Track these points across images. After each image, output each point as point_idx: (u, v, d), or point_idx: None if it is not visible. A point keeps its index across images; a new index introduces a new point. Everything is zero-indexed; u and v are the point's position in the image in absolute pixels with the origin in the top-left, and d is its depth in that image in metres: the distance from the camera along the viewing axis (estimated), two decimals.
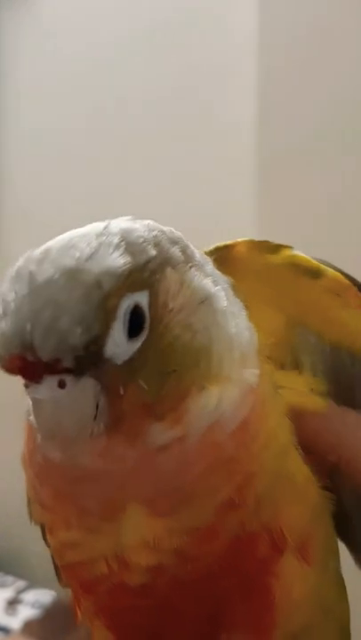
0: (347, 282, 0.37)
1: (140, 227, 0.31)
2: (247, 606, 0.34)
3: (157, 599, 0.33)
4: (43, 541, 0.39)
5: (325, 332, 0.37)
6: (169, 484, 0.31)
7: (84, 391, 0.28)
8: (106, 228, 0.30)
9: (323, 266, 0.36)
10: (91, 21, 1.24)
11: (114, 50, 1.20)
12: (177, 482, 0.31)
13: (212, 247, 0.37)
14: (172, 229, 0.33)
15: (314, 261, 0.36)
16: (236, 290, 0.35)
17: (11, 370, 0.28)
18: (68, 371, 0.28)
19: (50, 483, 0.33)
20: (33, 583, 1.26)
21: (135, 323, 0.29)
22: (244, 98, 1.01)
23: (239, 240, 0.36)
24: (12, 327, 0.27)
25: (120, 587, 0.33)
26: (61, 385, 0.28)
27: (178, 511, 0.31)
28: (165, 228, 0.32)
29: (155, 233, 0.31)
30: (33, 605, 1.21)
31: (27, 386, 0.28)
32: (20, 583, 1.28)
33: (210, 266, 0.34)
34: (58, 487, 0.32)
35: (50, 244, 0.30)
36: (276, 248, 0.36)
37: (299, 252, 0.37)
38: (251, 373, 0.32)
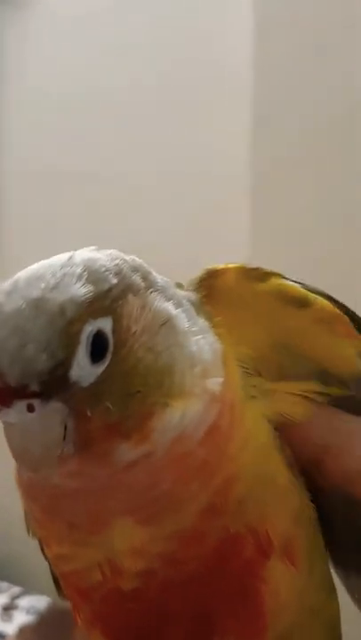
0: (335, 311, 0.37)
1: (103, 256, 0.32)
2: (238, 610, 0.35)
3: (150, 603, 0.34)
4: (37, 548, 0.40)
5: (313, 357, 0.38)
6: (144, 496, 0.32)
7: (51, 414, 0.29)
8: (70, 258, 0.32)
9: (311, 295, 0.37)
10: (88, 29, 1.25)
11: (110, 58, 1.21)
12: (151, 493, 0.32)
13: (203, 270, 0.37)
14: (135, 257, 0.34)
15: (302, 290, 0.37)
16: (207, 308, 0.36)
17: None
18: (36, 395, 0.29)
19: (37, 500, 0.34)
20: (28, 589, 1.26)
21: (99, 347, 0.30)
22: (239, 108, 1.01)
23: (230, 266, 0.37)
24: None
25: (114, 592, 0.34)
26: (30, 409, 0.29)
27: (160, 518, 0.32)
28: (127, 257, 0.34)
29: (116, 262, 0.32)
30: (28, 611, 1.21)
31: None
32: (15, 589, 1.28)
33: (172, 289, 0.35)
34: (44, 504, 0.34)
35: (19, 274, 0.31)
36: (265, 276, 0.37)
37: (287, 281, 0.37)
38: (213, 382, 0.33)
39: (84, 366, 0.30)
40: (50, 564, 0.39)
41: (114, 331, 0.31)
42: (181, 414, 0.32)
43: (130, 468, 0.31)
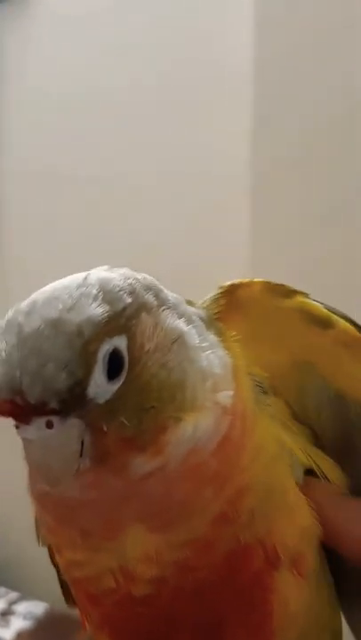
0: (358, 335, 0.38)
1: (117, 276, 0.33)
2: (247, 618, 0.35)
3: (161, 609, 0.35)
4: (35, 554, 0.40)
5: (332, 379, 0.38)
6: (159, 505, 0.33)
7: (69, 430, 0.30)
8: (85, 279, 0.33)
9: (334, 316, 0.38)
10: (87, 29, 1.25)
11: (109, 58, 1.21)
12: (166, 503, 0.33)
13: (228, 283, 0.38)
14: (146, 276, 0.35)
15: (325, 311, 0.38)
16: (218, 324, 0.37)
17: (2, 412, 0.31)
18: (54, 412, 0.30)
19: (50, 508, 0.35)
20: (25, 595, 1.26)
21: (115, 365, 0.31)
22: (239, 108, 1.02)
23: (255, 280, 0.38)
24: (3, 374, 0.30)
25: (126, 598, 0.35)
26: (49, 425, 0.30)
27: (174, 527, 0.33)
28: (139, 276, 0.35)
29: (130, 281, 0.34)
30: (25, 617, 1.21)
31: (17, 427, 0.31)
32: (13, 594, 1.28)
33: (183, 306, 0.36)
34: (58, 513, 0.35)
35: (35, 296, 0.32)
36: (290, 293, 0.38)
37: (312, 301, 0.38)
38: (224, 396, 0.34)
39: (100, 384, 0.31)
40: (59, 570, 0.40)
41: (128, 348, 0.32)
42: (194, 427, 0.33)
43: (145, 480, 0.32)
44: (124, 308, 0.32)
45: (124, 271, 0.34)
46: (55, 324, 0.30)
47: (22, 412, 0.30)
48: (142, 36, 1.16)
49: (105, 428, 0.31)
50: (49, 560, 0.40)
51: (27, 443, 0.31)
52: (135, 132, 1.17)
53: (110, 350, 0.31)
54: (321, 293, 0.89)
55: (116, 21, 1.20)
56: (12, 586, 1.29)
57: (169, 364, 0.33)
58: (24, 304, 0.32)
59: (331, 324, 0.37)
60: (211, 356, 0.35)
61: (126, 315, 0.32)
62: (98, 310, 0.31)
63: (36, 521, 0.38)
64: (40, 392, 0.29)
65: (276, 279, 0.95)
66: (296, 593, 0.36)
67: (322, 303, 0.38)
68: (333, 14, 0.93)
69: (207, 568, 0.33)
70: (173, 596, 0.34)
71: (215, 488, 0.33)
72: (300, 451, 0.38)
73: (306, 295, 0.38)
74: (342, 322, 0.38)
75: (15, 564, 1.22)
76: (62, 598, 0.43)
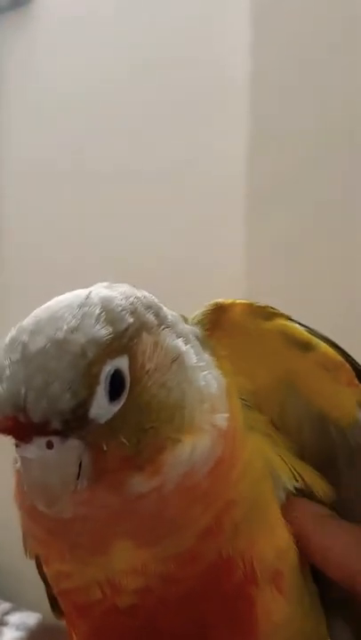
0: (338, 358, 0.38)
1: (118, 295, 0.33)
2: (231, 628, 0.36)
3: (146, 620, 0.35)
4: (28, 564, 0.40)
5: (312, 399, 0.38)
6: (150, 523, 0.33)
7: (69, 451, 0.30)
8: (87, 298, 0.33)
9: (315, 339, 0.38)
10: (82, 53, 1.26)
11: (105, 82, 1.22)
12: (157, 520, 0.33)
13: (210, 304, 0.38)
14: (146, 294, 0.35)
15: (306, 334, 0.38)
16: (211, 342, 0.37)
17: (2, 430, 0.31)
18: (55, 432, 0.30)
19: (41, 521, 0.35)
20: (18, 605, 1.25)
21: (116, 385, 0.31)
22: (236, 120, 1.02)
23: (237, 301, 0.38)
24: (7, 391, 0.30)
25: (112, 609, 0.35)
26: (49, 446, 0.30)
27: (162, 542, 0.34)
28: (140, 293, 0.35)
29: (131, 300, 0.34)
30: (18, 628, 1.21)
31: (17, 445, 0.31)
32: (5, 605, 1.28)
33: (180, 325, 0.36)
34: (48, 526, 0.35)
35: (38, 314, 0.32)
36: (272, 316, 0.38)
37: (293, 324, 0.38)
38: (220, 418, 0.35)
39: (102, 405, 0.31)
40: (46, 582, 0.40)
41: (130, 368, 0.32)
42: (191, 449, 0.33)
43: (140, 498, 0.32)
44: (127, 328, 0.32)
45: (125, 289, 0.34)
46: (60, 345, 0.30)
47: (24, 430, 0.30)
48: (135, 66, 1.17)
49: (105, 448, 0.31)
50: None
51: (26, 461, 0.31)
52: (132, 142, 1.17)
53: (112, 372, 0.31)
54: (316, 303, 0.89)
55: (116, 28, 1.20)
56: (4, 596, 1.28)
57: (168, 384, 0.33)
58: (28, 322, 0.32)
59: (311, 347, 0.38)
60: (208, 376, 0.35)
61: (128, 335, 0.32)
62: (101, 332, 0.31)
63: (24, 533, 0.39)
64: (44, 410, 0.29)
65: (271, 289, 0.96)
66: (278, 607, 0.36)
67: (303, 326, 0.38)
68: (333, 25, 0.93)
69: (190, 579, 0.34)
70: (158, 607, 0.34)
71: (205, 505, 0.34)
72: (286, 464, 0.38)
73: (287, 318, 0.38)
74: (323, 345, 0.38)
75: (8, 574, 1.21)
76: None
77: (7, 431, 0.30)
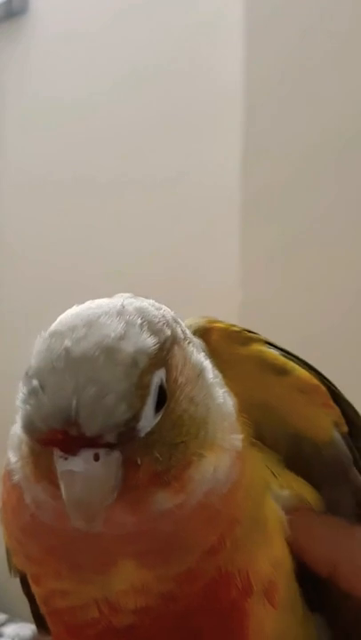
0: (313, 381, 0.38)
1: (149, 306, 0.33)
2: None
3: (142, 637, 0.35)
4: (21, 589, 0.40)
5: (288, 421, 0.39)
6: (162, 543, 0.33)
7: (112, 465, 0.29)
8: (123, 307, 0.31)
9: (290, 363, 0.38)
10: (77, 64, 1.26)
11: (99, 93, 1.22)
12: (170, 541, 0.33)
13: (195, 323, 0.38)
14: (167, 308, 0.34)
15: (281, 359, 0.38)
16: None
17: (47, 442, 0.29)
18: (108, 445, 0.29)
19: (39, 539, 0.34)
20: (13, 617, 1.25)
21: (160, 397, 0.30)
22: (230, 130, 1.02)
23: (214, 325, 0.38)
24: (55, 402, 0.28)
25: (107, 629, 0.34)
26: (96, 458, 0.29)
27: (167, 563, 0.33)
28: (164, 307, 0.34)
29: (162, 312, 0.33)
30: (13, 639, 1.20)
31: (60, 456, 0.29)
32: (0, 617, 1.27)
33: (195, 339, 0.36)
34: (48, 544, 0.34)
35: (72, 320, 0.31)
36: (247, 341, 0.38)
37: (269, 348, 0.38)
38: (236, 439, 0.35)
39: (149, 417, 0.30)
40: (31, 600, 0.39)
41: (166, 381, 0.31)
42: (215, 467, 0.33)
43: (160, 517, 0.31)
44: (165, 341, 0.31)
45: (153, 301, 0.34)
46: (111, 352, 0.29)
47: (73, 443, 0.28)
48: (129, 78, 1.17)
49: (139, 462, 0.30)
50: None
51: (68, 474, 0.29)
52: (127, 153, 1.18)
53: (159, 383, 0.30)
54: (310, 312, 0.89)
55: (111, 39, 1.21)
56: None
57: (196, 399, 0.33)
58: (62, 328, 0.30)
59: (287, 372, 0.38)
60: (225, 393, 0.35)
61: (166, 347, 0.31)
62: (148, 341, 0.30)
63: (8, 550, 0.37)
64: (100, 424, 0.28)
65: (266, 299, 0.96)
66: (270, 619, 0.36)
67: (279, 349, 0.38)
68: (327, 38, 0.94)
69: (189, 596, 0.34)
70: (154, 625, 0.34)
71: (214, 526, 0.33)
72: (273, 474, 0.38)
73: (264, 342, 0.38)
74: (298, 369, 0.38)
75: (2, 586, 1.21)
76: None
77: (54, 444, 0.29)
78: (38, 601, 0.37)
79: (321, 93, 0.94)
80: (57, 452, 0.29)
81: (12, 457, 0.35)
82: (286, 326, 0.88)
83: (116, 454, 0.29)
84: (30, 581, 0.37)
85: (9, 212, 1.39)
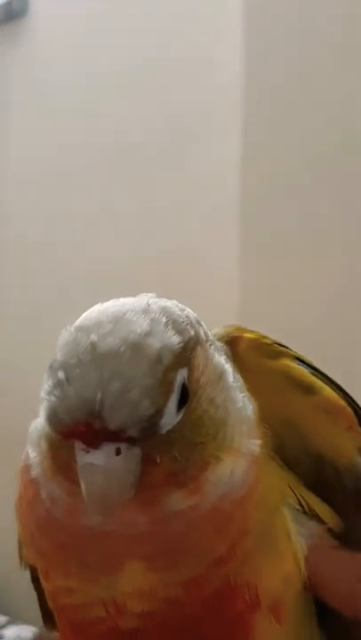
0: (341, 403, 0.38)
1: (173, 306, 0.33)
2: None
3: None
4: (24, 578, 0.40)
5: (312, 440, 0.38)
6: (172, 546, 0.32)
7: (132, 460, 0.29)
8: (148, 305, 0.32)
9: (318, 383, 0.38)
10: (76, 65, 1.26)
11: (99, 96, 1.22)
12: (180, 544, 0.32)
13: (223, 329, 0.38)
14: (190, 310, 0.34)
15: (310, 377, 0.38)
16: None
17: (70, 435, 0.29)
18: (130, 440, 0.29)
19: (51, 535, 0.34)
20: (14, 619, 1.24)
21: (183, 396, 0.31)
22: (228, 138, 1.02)
23: (245, 335, 0.38)
24: (79, 394, 0.29)
25: (112, 630, 0.34)
26: (117, 452, 0.29)
27: (175, 567, 0.33)
28: (187, 309, 0.34)
29: (186, 312, 0.33)
30: None
31: (82, 449, 0.29)
32: (1, 618, 1.27)
33: (216, 342, 0.36)
34: (59, 540, 0.34)
35: (97, 316, 0.31)
36: (277, 354, 0.38)
37: (298, 364, 0.38)
38: (254, 444, 0.34)
39: (171, 414, 0.30)
40: (40, 594, 0.39)
41: (188, 381, 0.31)
42: (231, 470, 0.33)
43: (172, 518, 0.31)
44: (189, 340, 0.32)
45: (176, 302, 0.34)
46: (137, 348, 0.29)
47: (96, 436, 0.29)
48: (127, 77, 1.17)
49: (158, 460, 0.30)
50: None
51: (89, 467, 0.29)
52: (129, 151, 1.18)
53: (182, 381, 0.30)
54: (309, 322, 0.89)
55: (111, 40, 1.21)
56: (0, 610, 1.27)
57: (216, 401, 0.33)
58: (87, 323, 0.31)
59: (314, 391, 0.37)
60: (245, 398, 0.35)
61: (190, 346, 0.32)
62: (174, 339, 0.30)
63: (22, 543, 0.38)
64: (124, 418, 0.28)
65: (265, 297, 0.96)
66: (275, 635, 0.36)
67: (309, 366, 0.38)
68: (323, 45, 0.94)
69: (195, 604, 0.33)
70: (159, 631, 0.34)
71: (226, 533, 0.33)
72: (291, 489, 0.37)
73: (293, 357, 0.38)
74: (326, 389, 0.38)
75: (3, 588, 1.21)
76: None
77: (77, 436, 0.29)
78: (47, 596, 0.37)
79: (320, 94, 0.94)
80: (78, 445, 0.29)
81: (31, 452, 0.35)
82: (285, 325, 0.88)
83: (137, 450, 0.29)
84: (40, 576, 0.37)
85: (14, 208, 1.39)
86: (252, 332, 0.38)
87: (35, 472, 0.34)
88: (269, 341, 0.38)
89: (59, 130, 1.29)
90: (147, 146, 1.15)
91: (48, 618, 0.39)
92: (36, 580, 0.39)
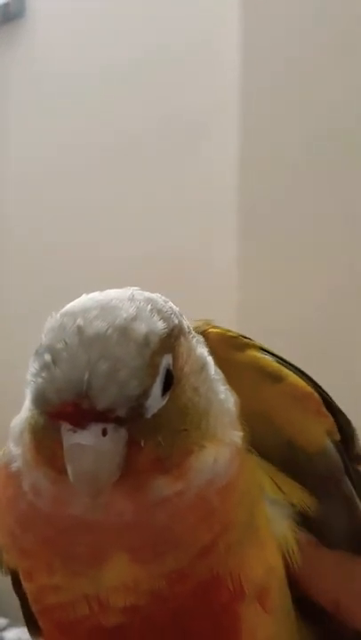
0: (307, 388, 0.38)
1: (157, 297, 0.33)
2: None
3: (132, 638, 0.34)
4: (12, 588, 0.39)
5: (283, 428, 0.39)
6: (158, 537, 0.33)
7: (120, 441, 0.30)
8: (133, 295, 0.32)
9: (285, 370, 0.38)
10: (74, 67, 1.26)
11: (97, 97, 1.22)
12: (166, 534, 0.33)
13: (200, 321, 0.39)
14: (172, 303, 0.35)
15: (276, 365, 0.38)
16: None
17: (58, 415, 0.29)
18: (117, 420, 0.29)
19: (34, 529, 0.34)
20: (14, 621, 1.24)
21: (167, 380, 0.31)
22: (227, 139, 1.02)
23: (211, 330, 0.38)
24: (67, 375, 0.29)
25: (97, 627, 0.34)
26: (104, 433, 0.29)
27: (160, 559, 0.33)
28: (170, 301, 0.35)
29: (170, 304, 0.34)
30: None
31: (68, 429, 0.29)
32: (2, 621, 1.26)
33: (198, 335, 0.36)
34: (44, 534, 0.34)
35: (84, 302, 0.32)
36: (243, 347, 0.38)
37: (264, 355, 0.39)
38: (237, 436, 0.35)
39: (156, 397, 0.30)
40: (23, 599, 0.38)
41: (173, 368, 0.32)
42: (215, 458, 0.33)
43: (158, 505, 0.32)
44: (173, 328, 0.32)
45: (159, 295, 0.34)
46: (124, 331, 0.30)
47: (83, 416, 0.29)
48: (128, 76, 1.17)
49: (142, 444, 0.31)
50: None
51: (77, 448, 0.29)
52: (129, 154, 1.18)
53: (166, 365, 0.31)
54: (309, 321, 0.89)
55: (109, 41, 1.21)
56: (0, 612, 1.27)
57: (200, 390, 0.33)
58: (74, 309, 0.31)
59: (281, 378, 0.38)
60: (226, 391, 0.36)
61: (174, 334, 0.32)
62: (160, 324, 0.31)
63: (2, 546, 0.37)
64: (111, 398, 0.29)
65: (264, 308, 0.96)
66: (263, 624, 0.36)
67: (275, 355, 0.39)
68: (323, 45, 0.94)
69: (179, 597, 0.34)
70: (144, 626, 0.34)
71: (210, 524, 0.33)
72: (267, 475, 0.38)
73: (259, 348, 0.39)
74: (292, 375, 0.38)
75: (3, 590, 1.20)
76: None
77: (64, 417, 0.29)
78: (30, 599, 0.37)
79: (319, 93, 0.94)
80: (65, 426, 0.29)
81: (13, 446, 0.35)
82: (285, 325, 0.89)
83: (123, 432, 0.30)
84: (22, 578, 0.37)
85: (9, 211, 1.39)
86: (217, 326, 0.39)
87: (16, 465, 0.34)
88: (234, 334, 0.39)
89: (58, 130, 1.29)
90: (146, 146, 1.15)
91: (32, 624, 0.39)
92: (17, 585, 0.39)
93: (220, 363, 0.37)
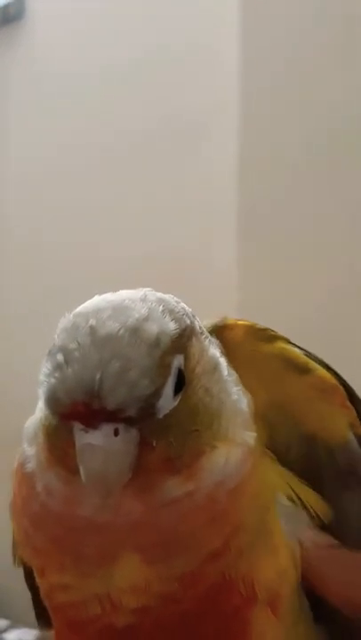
0: (333, 381, 0.38)
1: (169, 298, 0.34)
2: None
3: (142, 639, 0.34)
4: (25, 581, 0.39)
5: (304, 421, 0.39)
6: (167, 537, 0.32)
7: (131, 441, 0.30)
8: (145, 296, 0.32)
9: (312, 363, 0.38)
10: (74, 68, 1.26)
11: (96, 98, 1.22)
12: (175, 534, 0.33)
13: (214, 322, 0.39)
14: (185, 304, 0.35)
15: (303, 357, 0.38)
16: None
17: (69, 415, 0.30)
18: (128, 420, 0.29)
19: (46, 529, 0.34)
20: (15, 622, 1.24)
21: (179, 381, 0.31)
22: (227, 139, 1.02)
23: (239, 323, 0.38)
24: (79, 375, 0.29)
25: (107, 627, 0.34)
26: (116, 433, 0.29)
27: (170, 560, 0.33)
28: (182, 302, 0.35)
29: (182, 305, 0.34)
30: None
31: (81, 430, 0.30)
32: (2, 622, 1.26)
33: (212, 338, 0.36)
34: (54, 534, 0.34)
35: (96, 303, 0.32)
36: (272, 339, 0.38)
37: (292, 347, 0.39)
38: (249, 436, 0.35)
39: (168, 398, 0.30)
40: (35, 593, 0.39)
41: (185, 369, 0.32)
42: (226, 459, 0.33)
43: (167, 506, 0.32)
44: (185, 329, 0.32)
45: (172, 295, 0.35)
46: (135, 332, 0.30)
47: (94, 416, 0.29)
48: (127, 77, 1.17)
49: (154, 444, 0.31)
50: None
51: (88, 448, 0.29)
52: (127, 153, 1.18)
53: (178, 366, 0.31)
54: (309, 321, 0.89)
55: (108, 42, 1.21)
56: (1, 614, 1.27)
57: (211, 391, 0.33)
58: (87, 310, 0.31)
59: (308, 371, 0.38)
60: (239, 391, 0.36)
61: (186, 335, 0.32)
62: (171, 325, 0.31)
63: (14, 542, 0.38)
64: (122, 397, 0.29)
65: (264, 308, 0.96)
66: (273, 629, 0.36)
67: (302, 349, 0.39)
68: (323, 45, 0.94)
69: (191, 600, 0.33)
70: (155, 627, 0.34)
71: (220, 526, 0.33)
72: (283, 480, 0.38)
73: (287, 341, 0.39)
74: (319, 369, 0.38)
75: (5, 591, 1.20)
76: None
77: (73, 416, 0.29)
78: (42, 594, 0.37)
79: (319, 93, 0.94)
80: (77, 426, 0.30)
81: (27, 447, 0.35)
82: (284, 324, 0.88)
83: (134, 432, 0.30)
84: (36, 574, 0.37)
85: (9, 211, 1.39)
86: (242, 319, 0.39)
87: (30, 465, 0.34)
88: (263, 327, 0.39)
89: (58, 130, 1.29)
90: (146, 146, 1.15)
91: (42, 617, 0.39)
92: (29, 578, 0.39)
93: (246, 355, 0.37)
